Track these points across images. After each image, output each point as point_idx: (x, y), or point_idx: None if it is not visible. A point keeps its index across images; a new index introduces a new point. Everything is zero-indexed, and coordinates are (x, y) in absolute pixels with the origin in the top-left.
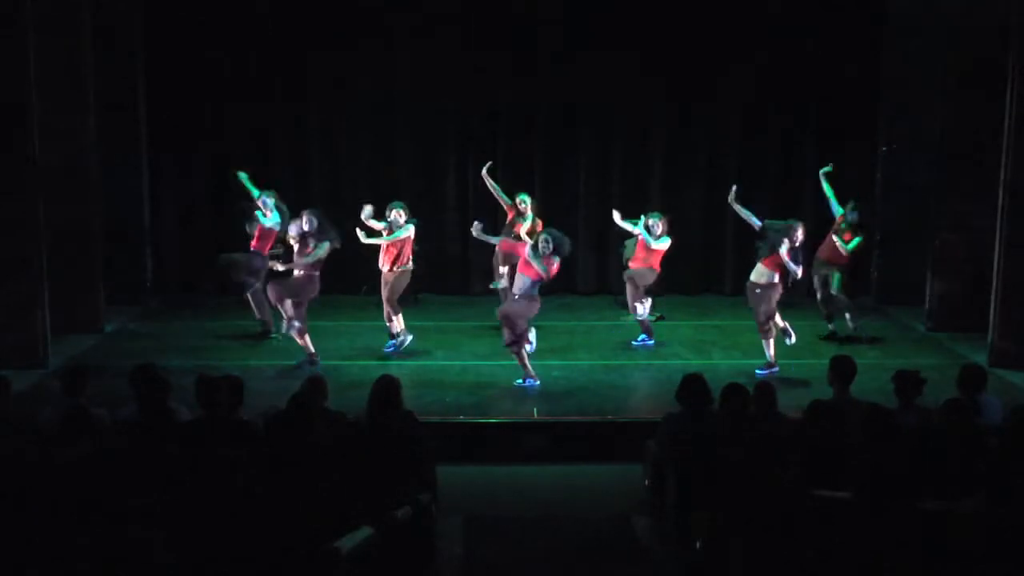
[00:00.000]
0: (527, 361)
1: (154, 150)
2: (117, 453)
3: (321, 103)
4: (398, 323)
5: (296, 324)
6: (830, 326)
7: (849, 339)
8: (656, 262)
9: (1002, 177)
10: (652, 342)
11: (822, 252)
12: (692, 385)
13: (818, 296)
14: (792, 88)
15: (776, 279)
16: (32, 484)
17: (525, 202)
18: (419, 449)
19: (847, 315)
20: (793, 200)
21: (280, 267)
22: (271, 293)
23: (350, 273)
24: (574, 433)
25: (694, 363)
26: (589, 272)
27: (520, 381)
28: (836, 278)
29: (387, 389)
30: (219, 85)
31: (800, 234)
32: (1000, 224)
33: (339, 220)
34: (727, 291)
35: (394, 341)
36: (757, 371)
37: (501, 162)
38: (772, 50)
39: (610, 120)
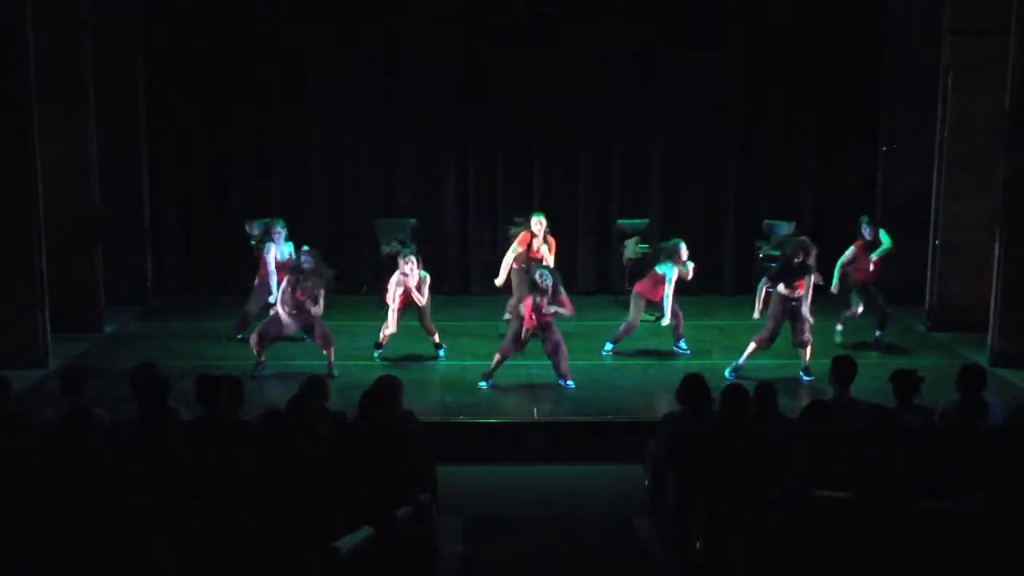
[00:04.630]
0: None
1: (154, 150)
2: (117, 453)
3: (321, 103)
4: (436, 336)
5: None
6: (877, 333)
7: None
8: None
9: (1002, 176)
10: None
11: (862, 276)
12: (692, 385)
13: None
14: (792, 88)
15: (797, 292)
16: (32, 484)
17: (543, 221)
18: (419, 449)
19: (845, 318)
20: (793, 200)
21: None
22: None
23: (350, 273)
24: (574, 433)
25: (694, 363)
26: (589, 272)
27: (484, 384)
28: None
29: (388, 389)
30: (219, 85)
31: (801, 254)
32: (1000, 224)
33: (340, 219)
34: (727, 291)
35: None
36: (805, 378)
37: (501, 162)
38: (772, 50)
39: (610, 120)
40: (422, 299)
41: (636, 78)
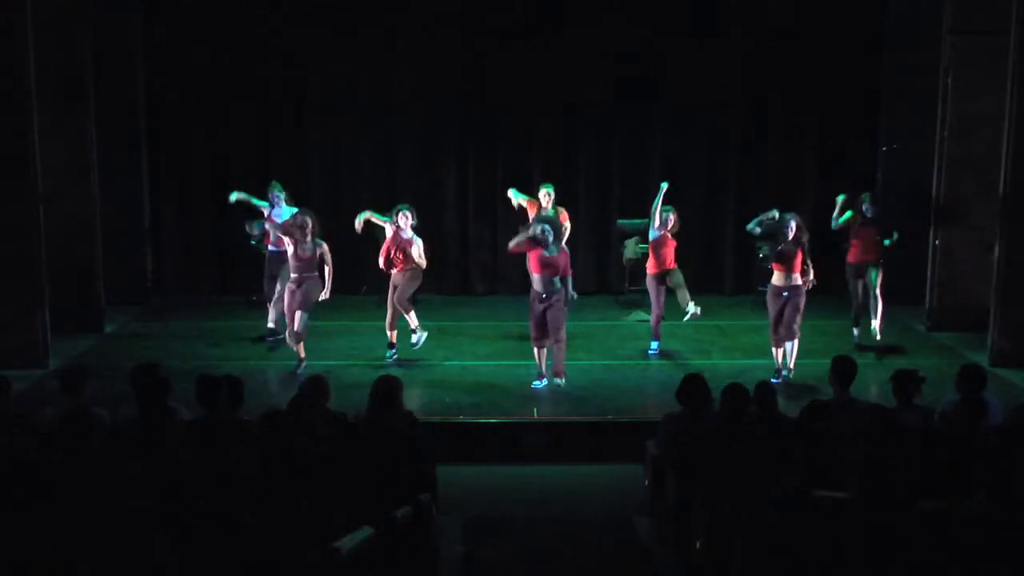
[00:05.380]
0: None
1: (154, 150)
2: (117, 453)
3: (321, 103)
4: (412, 320)
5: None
6: (856, 330)
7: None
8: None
9: (1002, 176)
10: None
11: (854, 256)
12: (692, 385)
13: (857, 301)
14: (792, 88)
15: (798, 280)
16: (32, 484)
17: (551, 194)
18: (419, 449)
19: (875, 321)
20: (793, 200)
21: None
22: (292, 305)
23: (350, 273)
24: (574, 433)
25: (694, 363)
26: (589, 272)
27: (539, 383)
28: (874, 274)
29: (388, 389)
30: (219, 85)
31: (793, 227)
32: (1000, 223)
33: (340, 219)
34: (727, 291)
35: (395, 349)
36: (784, 372)
37: (501, 162)
38: (772, 50)
39: (610, 120)
40: (400, 264)
41: (636, 78)
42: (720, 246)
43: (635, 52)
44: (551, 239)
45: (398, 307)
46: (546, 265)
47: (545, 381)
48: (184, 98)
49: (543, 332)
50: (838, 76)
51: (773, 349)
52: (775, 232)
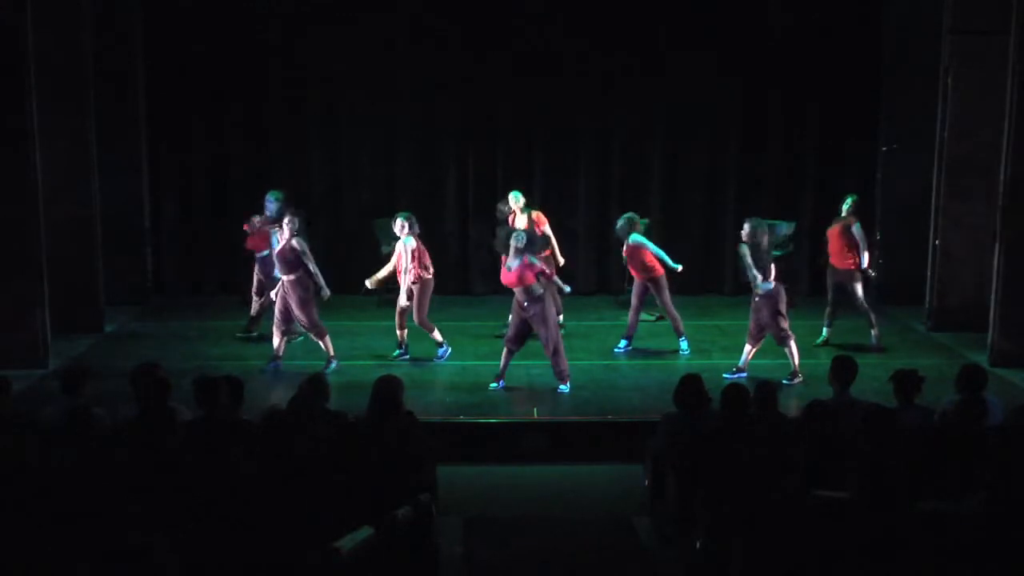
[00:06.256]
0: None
1: (154, 150)
2: (117, 453)
3: (321, 103)
4: (436, 335)
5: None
6: (826, 331)
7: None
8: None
9: (1002, 176)
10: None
11: (837, 260)
12: (689, 386)
13: (830, 297)
14: (792, 88)
15: (770, 284)
16: (32, 485)
17: (517, 200)
18: (419, 449)
19: (873, 331)
20: (793, 200)
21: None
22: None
23: (350, 274)
24: (574, 433)
25: (694, 363)
26: (589, 272)
27: (496, 384)
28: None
29: (388, 389)
30: (219, 85)
31: (767, 236)
32: (1000, 224)
33: (340, 219)
34: (727, 291)
35: (403, 349)
36: (784, 381)
37: (501, 162)
38: (772, 50)
39: (610, 120)
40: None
41: (636, 78)
42: (720, 246)
43: (635, 51)
44: (512, 251)
45: (421, 327)
46: (507, 278)
47: (502, 383)
48: (184, 98)
49: (518, 336)
50: (838, 77)
51: (791, 347)
52: (786, 240)
